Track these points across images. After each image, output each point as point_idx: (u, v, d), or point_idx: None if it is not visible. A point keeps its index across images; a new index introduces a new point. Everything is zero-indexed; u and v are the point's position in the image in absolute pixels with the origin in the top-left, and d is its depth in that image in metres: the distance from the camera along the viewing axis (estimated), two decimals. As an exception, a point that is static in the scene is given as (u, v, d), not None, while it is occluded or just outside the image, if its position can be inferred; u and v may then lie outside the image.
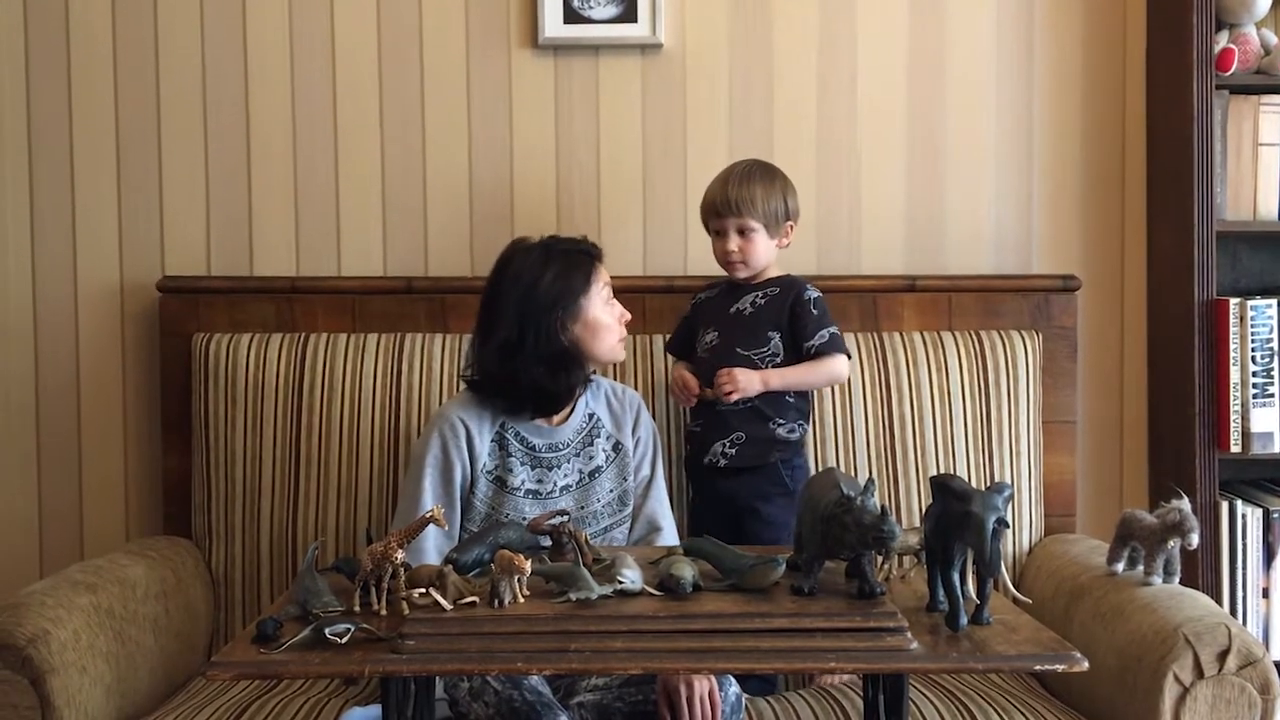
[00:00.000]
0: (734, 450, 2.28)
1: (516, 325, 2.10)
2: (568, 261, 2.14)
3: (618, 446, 2.22)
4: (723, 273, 2.41)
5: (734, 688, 1.96)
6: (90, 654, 1.99)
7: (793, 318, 2.31)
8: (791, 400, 2.32)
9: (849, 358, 2.36)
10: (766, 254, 2.34)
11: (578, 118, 2.68)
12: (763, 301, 2.34)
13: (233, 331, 2.56)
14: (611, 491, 2.19)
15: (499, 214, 2.68)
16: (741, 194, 2.31)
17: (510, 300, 2.11)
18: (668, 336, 2.55)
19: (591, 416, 2.22)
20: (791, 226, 2.37)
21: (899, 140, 2.69)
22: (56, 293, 2.69)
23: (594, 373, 2.24)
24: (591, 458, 2.19)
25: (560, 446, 2.17)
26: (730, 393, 2.25)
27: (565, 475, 2.16)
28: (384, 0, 2.67)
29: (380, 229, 2.69)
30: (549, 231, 2.62)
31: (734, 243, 2.32)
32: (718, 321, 2.36)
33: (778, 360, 2.31)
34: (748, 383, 2.26)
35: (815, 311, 2.32)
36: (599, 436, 2.21)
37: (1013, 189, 2.70)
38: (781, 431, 2.29)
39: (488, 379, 2.14)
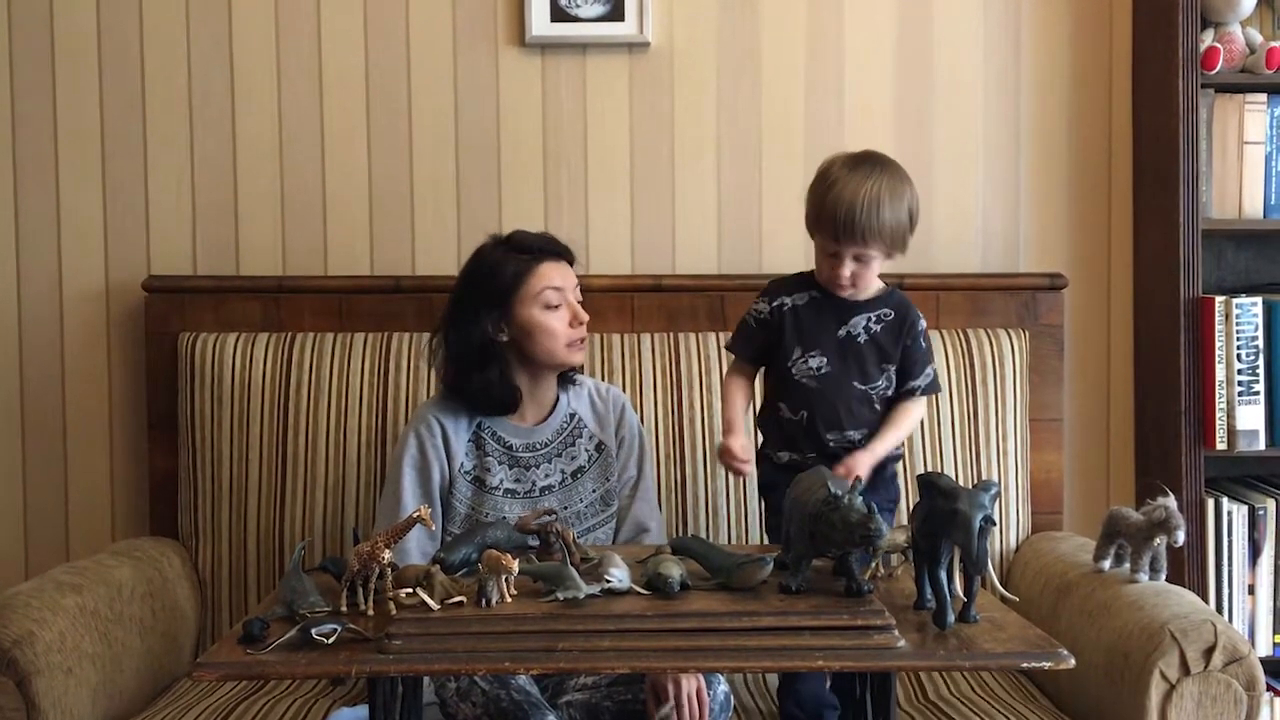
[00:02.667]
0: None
1: (450, 319, 2.13)
2: (504, 260, 2.10)
3: (600, 446, 2.21)
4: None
5: (722, 686, 1.96)
6: (76, 655, 1.98)
7: (904, 351, 2.08)
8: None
9: None
10: (876, 275, 2.09)
11: (565, 116, 2.68)
12: (877, 328, 2.08)
13: (219, 331, 2.55)
14: (594, 491, 2.19)
15: (486, 213, 2.67)
16: (870, 223, 1.99)
17: (453, 292, 2.14)
18: (656, 335, 2.55)
19: (573, 416, 2.21)
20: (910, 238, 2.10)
21: (886, 139, 2.69)
22: (41, 292, 2.68)
23: (578, 373, 2.23)
24: (574, 458, 2.18)
25: (538, 446, 2.16)
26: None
27: (546, 476, 2.16)
28: (370, -2, 2.67)
29: (367, 228, 2.69)
30: (536, 229, 2.62)
31: (849, 268, 2.04)
32: (822, 344, 2.07)
33: (888, 396, 2.08)
34: (865, 470, 2.00)
35: (925, 345, 2.10)
36: (580, 436, 2.20)
37: (1000, 188, 2.71)
38: (893, 466, 2.14)
39: (438, 373, 2.17)
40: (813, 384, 2.06)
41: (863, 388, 2.06)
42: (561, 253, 2.14)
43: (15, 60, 2.66)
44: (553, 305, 2.09)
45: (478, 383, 2.11)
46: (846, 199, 1.99)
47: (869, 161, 2.05)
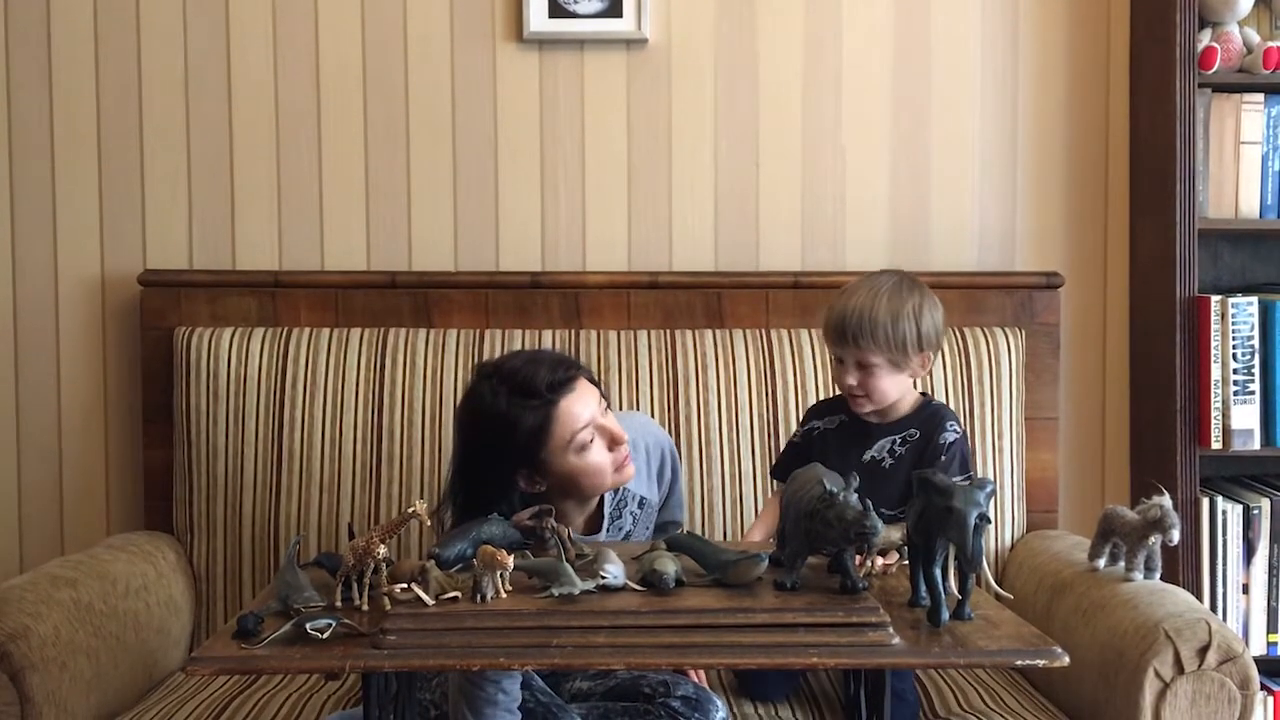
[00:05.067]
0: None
1: (478, 480, 1.91)
2: (517, 411, 1.85)
3: (642, 503, 2.09)
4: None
5: (720, 714, 1.90)
6: (70, 650, 1.98)
7: (930, 464, 1.98)
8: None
9: None
10: (895, 389, 2.01)
11: (563, 112, 2.68)
12: (903, 451, 2.02)
13: (215, 325, 2.55)
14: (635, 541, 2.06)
15: (483, 208, 2.67)
16: (861, 324, 1.96)
17: (468, 450, 1.92)
18: (653, 332, 2.55)
19: (617, 493, 2.04)
20: (928, 357, 2.02)
21: (883, 136, 2.69)
22: (37, 286, 2.67)
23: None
24: (621, 527, 2.06)
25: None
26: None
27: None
28: (368, -7, 2.66)
29: (364, 223, 2.68)
30: (533, 226, 2.62)
31: (853, 376, 1.99)
32: (846, 471, 1.93)
33: None
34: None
35: (944, 458, 1.99)
36: (627, 505, 2.07)
37: (997, 186, 2.71)
38: None
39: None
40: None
41: (891, 513, 1.84)
42: (571, 380, 1.89)
43: (11, 53, 2.66)
44: (588, 444, 1.89)
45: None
46: (844, 302, 2.00)
47: (885, 272, 2.05)
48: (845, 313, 1.98)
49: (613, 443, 1.92)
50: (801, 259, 2.68)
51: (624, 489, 2.04)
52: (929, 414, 2.05)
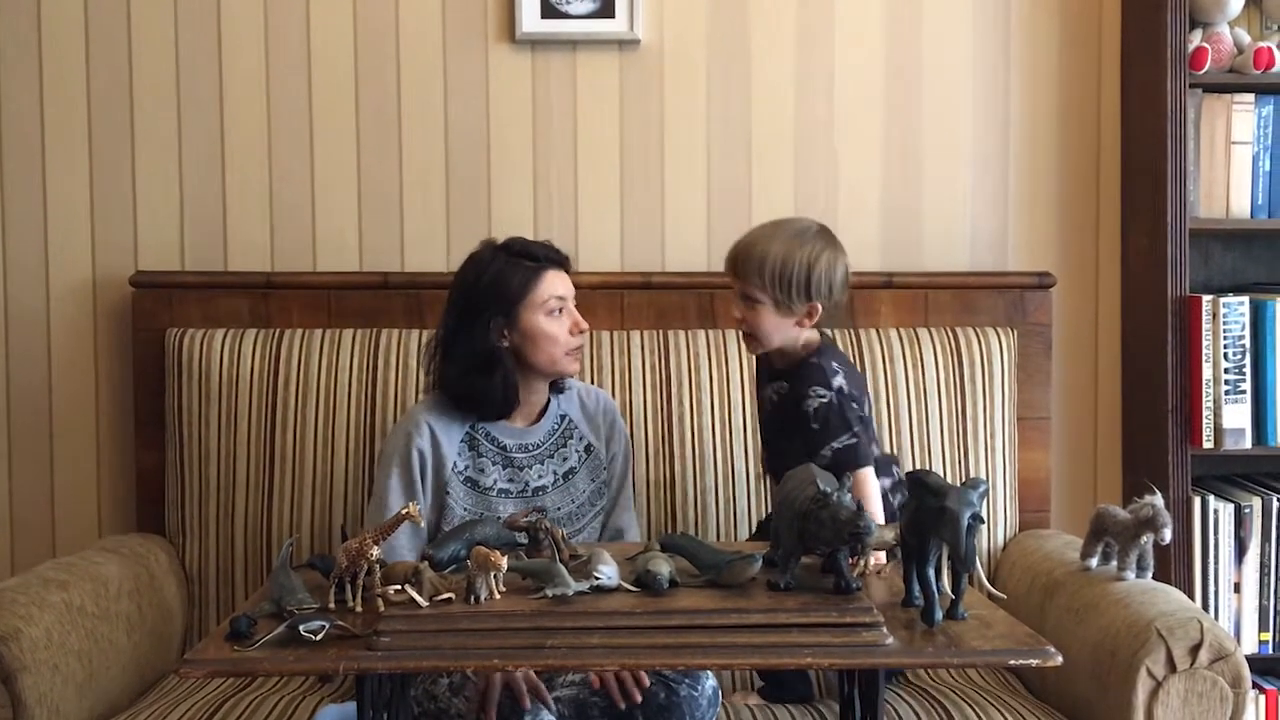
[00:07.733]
0: None
1: (452, 325, 2.13)
2: (511, 266, 2.12)
3: (589, 448, 2.22)
4: None
5: (710, 681, 1.96)
6: (62, 652, 1.98)
7: (800, 428, 1.98)
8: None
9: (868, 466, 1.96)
10: (778, 332, 2.00)
11: (555, 113, 2.68)
12: (776, 399, 2.06)
13: (207, 327, 2.54)
14: (585, 491, 2.20)
15: (476, 209, 2.67)
16: (750, 255, 1.98)
17: (452, 299, 2.15)
18: (645, 333, 2.55)
19: (564, 419, 2.22)
20: (816, 308, 2.00)
21: (876, 137, 2.70)
22: (28, 287, 2.66)
23: (565, 384, 2.23)
24: (565, 459, 2.19)
25: (532, 447, 2.17)
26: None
27: (539, 476, 2.16)
28: (360, -6, 2.66)
29: (356, 224, 2.68)
30: (525, 227, 2.62)
31: (738, 309, 2.02)
32: (758, 408, 2.04)
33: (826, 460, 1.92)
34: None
35: (815, 426, 1.96)
36: (571, 438, 2.21)
37: (989, 186, 2.71)
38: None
39: (434, 379, 2.17)
40: (765, 448, 2.13)
41: (786, 448, 1.92)
42: (563, 262, 2.17)
43: (2, 53, 2.64)
44: (556, 312, 2.12)
45: (481, 388, 2.11)
46: (746, 235, 2.05)
47: (800, 218, 2.11)
48: (742, 243, 2.02)
49: (575, 328, 2.14)
50: (794, 259, 2.68)
51: (573, 425, 2.21)
52: (804, 371, 2.02)
